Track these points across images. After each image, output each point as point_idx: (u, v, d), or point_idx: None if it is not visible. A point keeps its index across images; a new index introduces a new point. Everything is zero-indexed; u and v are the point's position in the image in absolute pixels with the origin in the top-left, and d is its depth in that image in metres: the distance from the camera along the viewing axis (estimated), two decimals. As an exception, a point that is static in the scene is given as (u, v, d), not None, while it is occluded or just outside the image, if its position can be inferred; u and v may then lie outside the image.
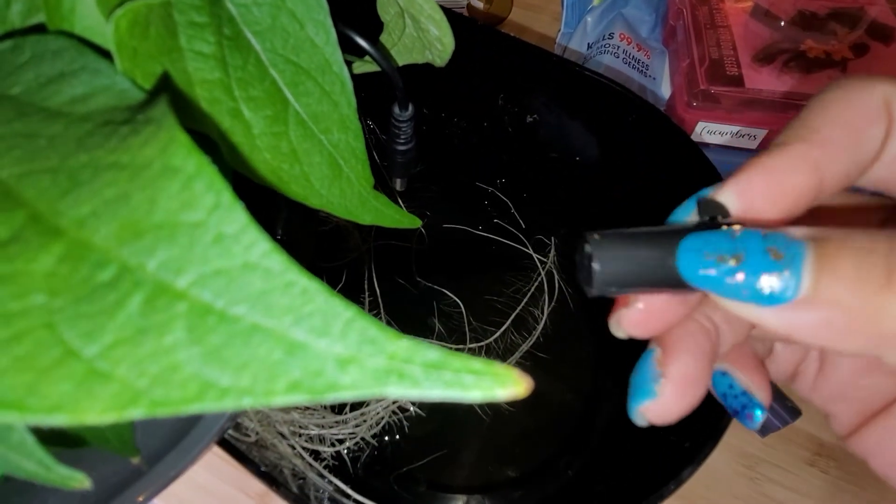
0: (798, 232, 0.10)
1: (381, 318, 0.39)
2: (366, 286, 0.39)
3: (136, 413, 0.07)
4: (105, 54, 0.13)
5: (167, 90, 0.12)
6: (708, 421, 0.22)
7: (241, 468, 0.24)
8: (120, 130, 0.10)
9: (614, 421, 0.33)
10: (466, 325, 0.38)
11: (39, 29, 0.13)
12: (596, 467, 0.31)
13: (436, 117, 0.39)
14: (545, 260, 0.40)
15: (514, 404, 0.35)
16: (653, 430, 0.26)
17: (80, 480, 0.10)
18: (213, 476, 0.35)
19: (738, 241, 0.10)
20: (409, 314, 0.39)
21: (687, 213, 0.13)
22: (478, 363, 0.08)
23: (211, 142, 0.15)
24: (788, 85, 0.39)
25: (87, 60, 0.12)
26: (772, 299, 0.10)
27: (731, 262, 0.10)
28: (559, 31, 0.49)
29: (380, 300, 0.39)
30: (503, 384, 0.08)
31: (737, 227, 0.11)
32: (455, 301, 0.39)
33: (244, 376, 0.08)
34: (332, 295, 0.08)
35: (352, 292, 0.39)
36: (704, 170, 0.30)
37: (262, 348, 0.08)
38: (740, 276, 0.10)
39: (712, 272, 0.10)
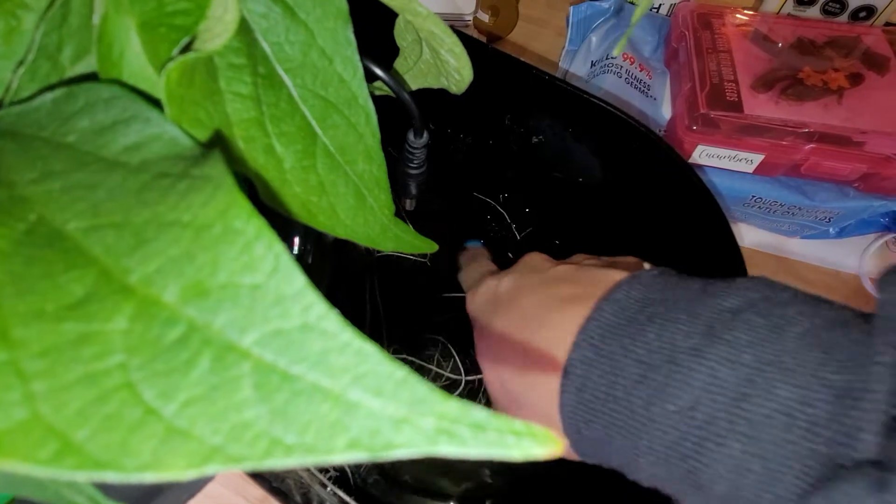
0: None
1: (383, 332, 0.39)
2: (367, 298, 0.40)
3: (213, 469, 0.08)
4: (151, 99, 0.13)
5: (219, 143, 0.13)
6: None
7: (240, 472, 0.24)
8: (177, 186, 0.11)
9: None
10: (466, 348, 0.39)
11: (91, 77, 0.14)
12: (590, 471, 0.32)
13: (441, 131, 0.40)
14: None
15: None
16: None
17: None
18: (214, 481, 0.36)
19: None
20: (411, 328, 0.40)
21: None
22: (519, 424, 0.09)
23: (246, 180, 0.15)
24: (786, 112, 0.41)
25: (138, 109, 0.12)
26: None
27: None
28: (563, 48, 0.50)
29: (381, 313, 0.39)
30: (541, 444, 0.09)
31: None
32: (456, 317, 0.40)
33: (308, 434, 0.08)
34: (385, 355, 0.09)
35: (354, 304, 0.40)
36: (702, 196, 0.31)
37: (322, 407, 0.09)
38: None
39: None
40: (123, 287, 0.09)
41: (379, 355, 0.09)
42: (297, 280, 0.09)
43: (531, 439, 0.09)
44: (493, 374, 0.25)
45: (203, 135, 0.14)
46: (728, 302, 0.18)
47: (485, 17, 0.54)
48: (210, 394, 0.08)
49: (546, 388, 0.21)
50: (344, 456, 0.08)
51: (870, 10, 0.48)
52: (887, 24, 0.49)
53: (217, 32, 0.13)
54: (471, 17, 0.53)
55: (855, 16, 0.49)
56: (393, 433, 0.09)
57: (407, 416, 0.09)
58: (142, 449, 0.08)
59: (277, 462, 0.08)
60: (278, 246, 0.10)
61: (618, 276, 0.22)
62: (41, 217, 0.10)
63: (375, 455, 0.08)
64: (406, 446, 0.09)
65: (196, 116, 0.14)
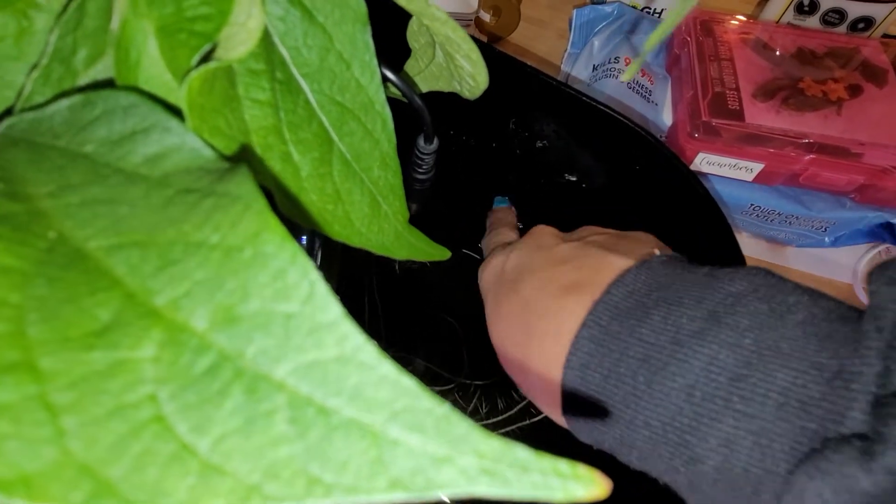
0: None
1: (381, 335, 0.39)
2: (366, 300, 0.40)
3: (249, 510, 0.08)
4: (167, 105, 0.13)
5: (243, 155, 0.13)
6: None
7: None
8: (203, 203, 0.10)
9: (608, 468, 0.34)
10: (465, 356, 0.39)
11: (107, 83, 0.13)
12: None
13: (445, 134, 0.40)
14: None
15: (506, 434, 0.36)
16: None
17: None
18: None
19: None
20: (408, 335, 0.40)
21: None
22: (564, 465, 0.09)
23: (265, 190, 0.15)
24: (786, 121, 0.41)
25: (157, 118, 0.12)
26: None
27: None
28: (566, 51, 0.50)
29: (380, 317, 0.39)
30: (586, 486, 0.08)
31: None
32: (454, 325, 0.39)
33: (347, 473, 0.08)
34: (424, 390, 0.09)
35: (352, 307, 0.39)
36: (704, 202, 0.31)
37: (360, 444, 0.08)
38: None
39: None
40: (150, 311, 0.09)
41: (418, 389, 0.09)
42: (333, 309, 0.09)
43: (576, 481, 0.08)
44: (499, 342, 0.27)
45: (222, 144, 0.13)
46: (732, 287, 0.19)
47: (486, 17, 0.53)
48: (245, 428, 0.08)
49: (549, 361, 0.22)
50: (385, 496, 0.08)
51: (868, 22, 0.49)
52: (885, 35, 0.50)
53: (241, 40, 0.13)
54: (472, 17, 0.53)
55: (854, 27, 0.49)
56: (434, 472, 0.08)
57: (448, 455, 0.08)
58: (178, 488, 0.07)
59: (316, 501, 0.08)
60: (313, 273, 0.09)
61: (621, 261, 0.23)
62: (61, 234, 0.10)
63: (417, 495, 0.08)
64: (448, 486, 0.08)
65: (215, 125, 0.13)
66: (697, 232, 0.32)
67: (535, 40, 0.55)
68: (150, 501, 0.07)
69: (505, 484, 0.08)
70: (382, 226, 0.18)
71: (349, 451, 0.08)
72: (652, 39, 0.16)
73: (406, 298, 0.41)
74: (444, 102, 0.32)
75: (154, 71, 0.13)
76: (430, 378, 0.38)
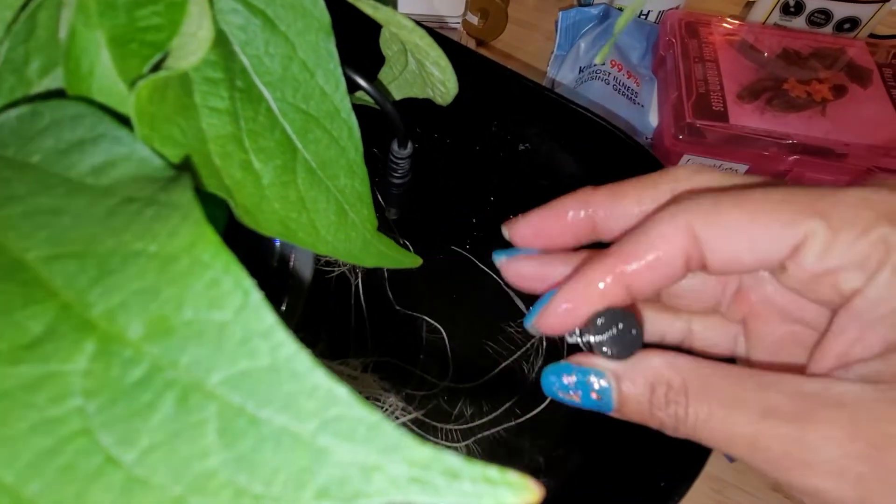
0: (605, 381, 0.16)
1: (366, 338, 0.39)
2: (352, 302, 0.40)
3: (173, 522, 0.08)
4: (120, 117, 0.13)
5: (191, 164, 0.13)
6: (684, 462, 0.23)
7: None
8: (144, 212, 0.10)
9: (589, 452, 0.34)
10: (450, 360, 0.39)
11: (58, 93, 0.13)
12: (570, 499, 0.32)
13: (428, 137, 0.40)
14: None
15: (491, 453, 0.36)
16: (629, 467, 0.27)
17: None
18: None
19: (576, 385, 0.16)
20: (394, 337, 0.40)
21: None
22: (494, 472, 0.09)
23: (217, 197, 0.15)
24: (770, 123, 0.41)
25: (106, 128, 0.12)
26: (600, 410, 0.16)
27: (574, 397, 0.16)
28: (552, 53, 0.50)
29: (366, 319, 0.39)
30: (516, 493, 0.08)
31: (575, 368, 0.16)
32: (440, 328, 0.39)
33: (275, 484, 0.08)
34: (356, 398, 0.09)
35: (338, 308, 0.39)
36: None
37: (290, 454, 0.08)
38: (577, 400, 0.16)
39: (563, 396, 0.17)
40: (85, 322, 0.09)
41: (350, 398, 0.09)
42: (267, 317, 0.09)
43: (506, 488, 0.08)
44: None
45: (175, 153, 0.13)
46: None
47: (474, 20, 0.53)
48: (172, 439, 0.08)
49: None
50: (312, 506, 0.08)
51: (854, 22, 0.49)
52: (871, 35, 0.50)
53: (191, 49, 0.13)
54: (460, 20, 0.53)
55: (840, 27, 0.49)
56: (363, 482, 0.08)
57: (378, 463, 0.08)
58: (99, 501, 0.07)
59: (242, 513, 0.08)
60: (247, 281, 0.09)
61: None
62: (1, 245, 0.10)
63: (346, 503, 0.08)
64: (377, 496, 0.08)
65: (168, 133, 0.13)
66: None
67: (522, 43, 0.55)
68: (67, 515, 0.07)
69: (435, 492, 0.08)
70: (350, 234, 0.18)
71: (278, 461, 0.08)
72: (621, 22, 0.16)
73: (392, 302, 0.41)
74: (427, 107, 0.32)
75: (107, 81, 0.13)
76: (416, 382, 0.38)
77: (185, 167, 0.13)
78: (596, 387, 0.16)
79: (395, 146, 0.24)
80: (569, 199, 0.19)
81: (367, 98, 0.25)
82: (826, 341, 0.15)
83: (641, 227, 0.16)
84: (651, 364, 0.15)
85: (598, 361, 0.16)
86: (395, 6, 0.23)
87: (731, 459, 0.38)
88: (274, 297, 0.24)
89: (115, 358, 0.09)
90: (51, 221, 0.10)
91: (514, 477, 0.08)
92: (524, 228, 0.20)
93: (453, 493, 0.08)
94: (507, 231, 0.20)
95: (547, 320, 0.17)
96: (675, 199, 0.16)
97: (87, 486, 0.08)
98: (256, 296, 0.09)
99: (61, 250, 0.10)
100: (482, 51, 0.55)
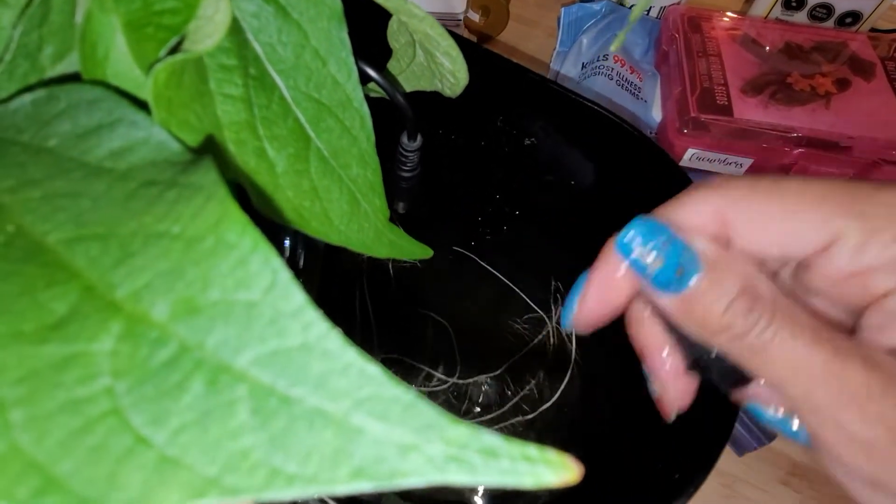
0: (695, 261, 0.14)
1: (373, 334, 0.39)
2: (358, 300, 0.39)
3: (208, 501, 0.07)
4: (136, 101, 0.13)
5: (210, 150, 0.12)
6: (698, 453, 0.23)
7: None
8: (166, 195, 0.10)
9: (600, 445, 0.34)
10: (458, 355, 0.39)
11: (73, 78, 0.13)
12: (582, 493, 0.32)
13: (433, 133, 0.40)
14: (547, 318, 0.40)
15: (498, 432, 0.36)
16: (641, 460, 0.27)
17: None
18: None
19: (665, 253, 0.14)
20: (400, 334, 0.39)
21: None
22: (533, 450, 0.08)
23: (238, 186, 0.15)
24: (774, 116, 0.41)
25: (123, 112, 0.12)
26: (666, 291, 0.15)
27: (654, 261, 0.15)
28: (554, 49, 0.50)
29: (371, 316, 0.39)
30: (556, 471, 0.08)
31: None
32: (446, 325, 0.39)
33: (310, 464, 0.08)
34: (390, 377, 0.09)
35: (343, 306, 0.39)
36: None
37: (323, 433, 0.08)
38: (655, 270, 0.15)
39: (640, 257, 0.15)
40: (109, 304, 0.09)
41: (384, 377, 0.09)
42: (297, 297, 0.09)
43: (545, 466, 0.08)
44: None
45: (192, 138, 0.13)
46: None
47: (475, 17, 0.53)
48: (204, 419, 0.08)
49: None
50: (348, 486, 0.08)
51: (856, 16, 0.49)
52: (872, 29, 0.50)
53: (207, 33, 0.12)
54: (461, 17, 0.53)
55: (841, 21, 0.49)
56: (399, 461, 0.08)
57: (414, 443, 0.08)
58: (131, 482, 0.07)
59: (278, 494, 0.08)
60: (276, 261, 0.09)
61: None
62: (20, 228, 0.10)
63: (381, 485, 0.08)
64: (414, 475, 0.08)
65: (185, 119, 0.13)
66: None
67: (524, 39, 0.55)
68: (101, 496, 0.07)
69: (472, 471, 0.08)
70: (362, 224, 0.18)
71: (312, 441, 0.08)
72: (636, 12, 0.16)
73: (398, 298, 0.41)
74: (432, 102, 0.32)
75: (123, 66, 0.13)
76: (424, 378, 0.38)
77: (205, 150, 0.12)
78: (685, 259, 0.14)
79: (404, 139, 0.24)
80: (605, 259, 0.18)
81: (378, 90, 0.25)
82: (857, 336, 0.15)
83: (671, 205, 0.15)
84: (746, 269, 0.14)
85: (697, 238, 0.14)
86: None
87: (741, 454, 0.38)
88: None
89: (141, 339, 0.09)
90: (70, 205, 0.10)
91: (553, 455, 0.08)
92: (585, 309, 0.18)
93: (491, 471, 0.08)
94: (571, 321, 0.18)
95: (582, 316, 0.17)
96: (711, 183, 0.15)
97: (118, 466, 0.07)
98: (285, 275, 0.09)
99: (82, 232, 0.10)
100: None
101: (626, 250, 0.15)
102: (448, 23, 0.53)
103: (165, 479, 0.07)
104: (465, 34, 0.54)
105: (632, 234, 0.15)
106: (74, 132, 0.11)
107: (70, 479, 0.07)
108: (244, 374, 0.09)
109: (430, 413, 0.08)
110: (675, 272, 0.14)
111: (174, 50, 0.13)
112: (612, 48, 0.43)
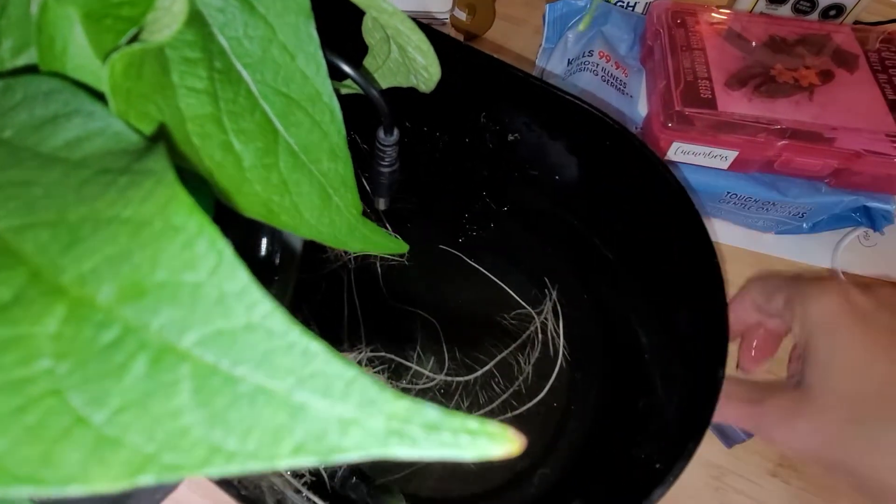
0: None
1: (361, 330, 0.39)
2: (345, 298, 0.39)
3: (147, 479, 0.07)
4: (96, 94, 0.13)
5: (166, 137, 0.13)
6: (678, 443, 0.23)
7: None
8: (118, 181, 0.10)
9: (586, 437, 0.34)
10: (445, 353, 0.39)
11: (31, 69, 0.13)
12: (568, 484, 0.32)
13: (418, 130, 0.40)
14: (535, 313, 0.40)
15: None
16: (624, 451, 0.27)
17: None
18: (186, 487, 0.35)
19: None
20: (388, 332, 0.40)
21: None
22: (474, 423, 0.08)
23: (202, 178, 0.15)
24: (758, 109, 0.41)
25: (80, 103, 0.12)
26: None
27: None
28: (540, 45, 0.50)
29: (359, 314, 0.39)
30: (498, 443, 0.08)
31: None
32: (434, 323, 0.39)
33: (250, 440, 0.08)
34: (334, 355, 0.09)
35: (331, 304, 0.39)
36: (676, 193, 0.31)
37: (265, 410, 0.08)
38: None
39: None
40: (55, 287, 0.09)
41: (327, 354, 0.09)
42: (241, 277, 0.09)
43: (487, 438, 0.08)
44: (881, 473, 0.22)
45: (152, 129, 0.13)
46: None
47: (462, 16, 0.54)
48: (143, 400, 0.08)
49: None
50: (289, 462, 0.08)
51: (839, 9, 0.49)
52: (856, 22, 0.50)
53: (165, 23, 0.13)
54: (447, 15, 0.53)
55: (825, 14, 0.50)
56: (340, 436, 0.08)
57: (356, 418, 0.08)
58: (67, 460, 0.07)
59: (217, 470, 0.08)
60: (221, 242, 0.09)
61: None
62: (-30, 216, 0.10)
63: (323, 460, 0.08)
64: (355, 449, 0.08)
65: (144, 111, 0.13)
66: (669, 221, 0.32)
67: (510, 37, 0.55)
68: (32, 474, 0.07)
69: (414, 444, 0.08)
70: (334, 217, 0.18)
71: (254, 418, 0.08)
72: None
73: (385, 296, 0.41)
74: (415, 99, 0.32)
75: (83, 59, 0.13)
76: (412, 376, 0.38)
77: (159, 138, 0.12)
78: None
79: (380, 133, 0.24)
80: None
81: (354, 86, 0.25)
82: None
83: None
84: None
85: None
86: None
87: (729, 445, 0.38)
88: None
89: (85, 321, 0.09)
90: (21, 193, 0.10)
91: (494, 427, 0.08)
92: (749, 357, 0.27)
93: (433, 444, 0.08)
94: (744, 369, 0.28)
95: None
96: None
97: (54, 445, 0.07)
98: (230, 256, 0.09)
99: (32, 219, 0.10)
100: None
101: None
102: (434, 21, 0.54)
103: (103, 458, 0.07)
104: (452, 32, 0.54)
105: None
106: (30, 123, 0.12)
107: (5, 458, 0.07)
108: (188, 354, 0.09)
109: (372, 388, 0.09)
110: None
111: (132, 42, 0.13)
112: (581, 28, 0.44)
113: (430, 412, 0.08)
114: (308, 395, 0.08)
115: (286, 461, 0.08)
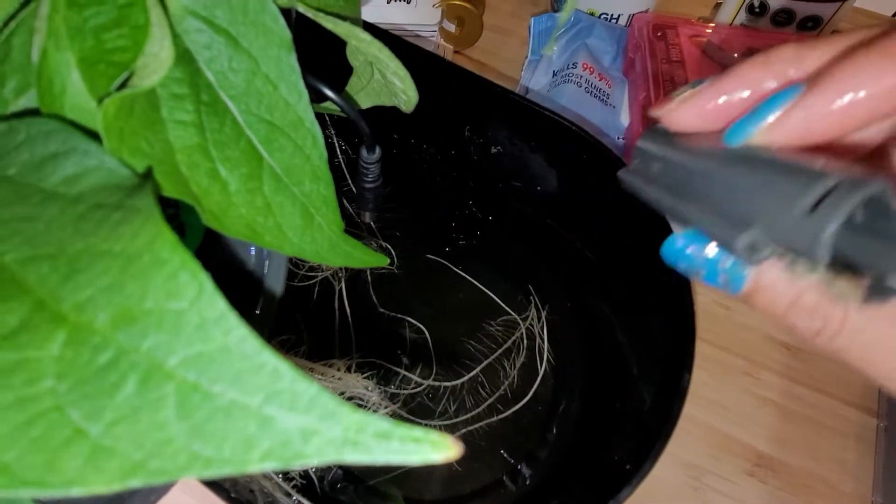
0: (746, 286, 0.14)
1: (351, 337, 0.40)
2: (336, 306, 0.41)
3: (137, 482, 0.09)
4: (92, 133, 0.14)
5: (153, 172, 0.14)
6: (647, 444, 0.24)
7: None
8: (111, 217, 0.12)
9: (568, 439, 0.35)
10: (434, 359, 0.40)
11: (32, 112, 0.14)
12: (549, 485, 0.33)
13: (405, 142, 0.41)
14: (520, 320, 0.41)
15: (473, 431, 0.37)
16: (602, 452, 0.28)
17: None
18: (179, 490, 0.36)
19: (703, 265, 0.15)
20: (378, 339, 0.41)
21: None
22: (419, 432, 0.10)
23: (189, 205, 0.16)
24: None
25: (77, 142, 0.13)
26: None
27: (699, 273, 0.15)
28: (526, 57, 0.52)
29: (350, 322, 0.40)
30: (438, 450, 0.10)
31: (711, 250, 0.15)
32: (422, 329, 0.41)
33: (225, 448, 0.09)
34: (298, 374, 0.10)
35: (322, 312, 0.41)
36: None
37: (239, 422, 0.10)
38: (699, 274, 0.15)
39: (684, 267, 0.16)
40: (57, 315, 0.10)
41: (293, 374, 0.10)
42: (219, 305, 0.10)
43: (430, 445, 0.10)
44: None
45: (144, 164, 0.14)
46: None
47: (450, 27, 0.55)
48: (135, 413, 0.09)
49: None
50: (258, 466, 0.09)
51: (816, 21, 0.51)
52: (833, 33, 0.52)
53: (153, 69, 0.14)
54: (436, 27, 0.54)
55: (803, 26, 0.51)
56: (303, 444, 0.09)
57: (317, 428, 0.10)
58: (67, 466, 0.09)
59: (196, 474, 0.09)
60: (201, 274, 0.10)
61: None
62: (-20, 250, 0.11)
63: (288, 464, 0.09)
64: (316, 456, 0.09)
65: (136, 146, 0.14)
66: (645, 230, 0.33)
67: (499, 49, 0.56)
68: (38, 478, 0.08)
69: (367, 451, 0.09)
70: (316, 236, 0.20)
71: (228, 429, 0.09)
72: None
73: (375, 304, 0.42)
74: (403, 113, 0.33)
75: (79, 100, 0.14)
76: (400, 381, 0.39)
77: (148, 175, 0.14)
78: (727, 266, 0.14)
79: (363, 152, 0.26)
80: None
81: (333, 108, 0.26)
82: None
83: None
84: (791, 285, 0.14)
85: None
86: (358, 14, 0.24)
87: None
88: (249, 303, 0.25)
89: (84, 345, 0.10)
90: (25, 228, 0.12)
91: (435, 436, 0.10)
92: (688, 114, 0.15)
93: (384, 451, 0.09)
94: (660, 112, 0.16)
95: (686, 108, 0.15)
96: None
97: (57, 454, 0.09)
98: (210, 286, 0.10)
99: (35, 252, 0.11)
100: (459, 58, 0.56)
101: (672, 260, 0.16)
102: (424, 33, 0.55)
103: (99, 465, 0.09)
104: (441, 43, 0.55)
105: (678, 248, 0.15)
106: (32, 161, 0.13)
107: (14, 465, 0.08)
108: (172, 373, 0.10)
109: (332, 403, 0.10)
110: (720, 280, 0.14)
111: (125, 84, 0.14)
112: (562, 20, 0.45)
113: (382, 423, 0.10)
114: (276, 408, 0.10)
115: (256, 465, 0.09)
